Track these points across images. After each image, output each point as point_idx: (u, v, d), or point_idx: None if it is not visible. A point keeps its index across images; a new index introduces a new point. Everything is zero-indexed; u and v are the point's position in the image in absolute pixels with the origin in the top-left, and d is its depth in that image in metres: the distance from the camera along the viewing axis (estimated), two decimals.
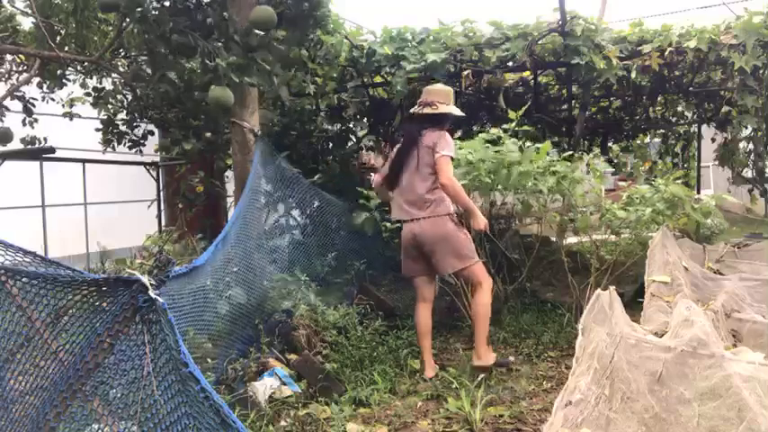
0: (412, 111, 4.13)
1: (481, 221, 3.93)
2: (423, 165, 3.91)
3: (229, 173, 5.64)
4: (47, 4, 4.65)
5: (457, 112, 4.05)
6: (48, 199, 6.18)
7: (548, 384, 3.78)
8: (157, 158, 7.00)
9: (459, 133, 7.01)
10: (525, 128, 4.91)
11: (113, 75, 5.72)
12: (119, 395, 1.87)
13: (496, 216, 5.58)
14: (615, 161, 9.99)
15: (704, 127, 8.58)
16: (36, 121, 5.64)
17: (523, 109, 4.95)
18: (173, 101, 5.31)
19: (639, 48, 5.92)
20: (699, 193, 8.26)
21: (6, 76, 5.39)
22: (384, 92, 7.17)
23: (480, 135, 4.68)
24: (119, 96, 6.12)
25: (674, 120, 9.01)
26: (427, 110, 3.98)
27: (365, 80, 6.71)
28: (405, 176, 4.01)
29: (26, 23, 5.10)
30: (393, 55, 5.91)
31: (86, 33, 4.90)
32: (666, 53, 5.78)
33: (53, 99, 5.92)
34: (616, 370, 2.30)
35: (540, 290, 5.69)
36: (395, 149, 4.16)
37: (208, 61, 4.17)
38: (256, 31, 4.15)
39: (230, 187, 5.65)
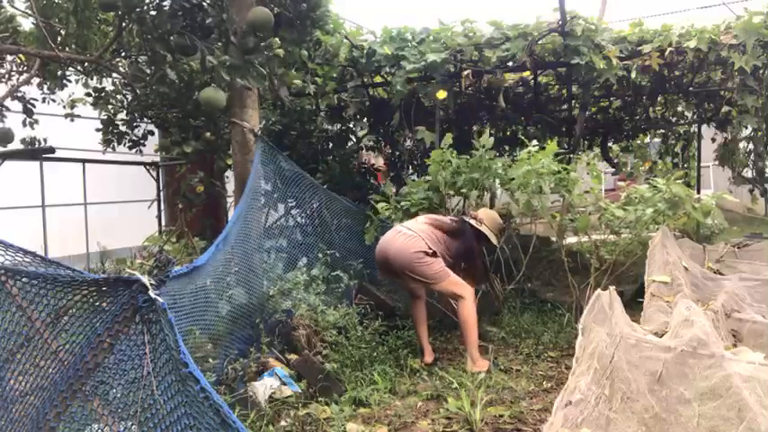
0: (466, 218, 4.65)
1: None
2: (447, 236, 4.30)
3: (229, 173, 5.63)
4: (47, 5, 4.65)
5: (492, 238, 4.53)
6: (48, 199, 6.17)
7: (548, 384, 3.79)
8: (157, 158, 6.99)
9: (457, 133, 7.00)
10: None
11: (113, 75, 5.71)
12: (119, 395, 1.87)
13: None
14: (615, 161, 9.97)
15: (704, 127, 8.56)
16: (36, 122, 5.62)
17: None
18: (172, 101, 5.31)
19: (639, 48, 5.90)
20: (699, 192, 8.25)
21: (7, 76, 5.37)
22: (384, 92, 7.16)
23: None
24: (119, 96, 6.11)
25: (674, 120, 8.99)
26: (473, 222, 4.52)
27: (365, 80, 6.71)
28: (429, 226, 4.34)
29: (26, 24, 5.10)
30: (393, 55, 5.90)
31: (87, 33, 4.89)
32: (666, 53, 5.76)
33: (53, 100, 5.91)
34: (616, 370, 2.30)
35: (540, 290, 5.69)
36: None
37: (208, 60, 4.16)
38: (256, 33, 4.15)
39: (230, 187, 5.64)
